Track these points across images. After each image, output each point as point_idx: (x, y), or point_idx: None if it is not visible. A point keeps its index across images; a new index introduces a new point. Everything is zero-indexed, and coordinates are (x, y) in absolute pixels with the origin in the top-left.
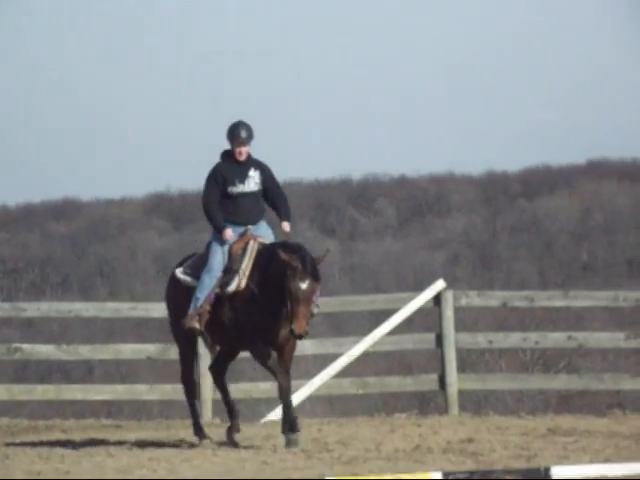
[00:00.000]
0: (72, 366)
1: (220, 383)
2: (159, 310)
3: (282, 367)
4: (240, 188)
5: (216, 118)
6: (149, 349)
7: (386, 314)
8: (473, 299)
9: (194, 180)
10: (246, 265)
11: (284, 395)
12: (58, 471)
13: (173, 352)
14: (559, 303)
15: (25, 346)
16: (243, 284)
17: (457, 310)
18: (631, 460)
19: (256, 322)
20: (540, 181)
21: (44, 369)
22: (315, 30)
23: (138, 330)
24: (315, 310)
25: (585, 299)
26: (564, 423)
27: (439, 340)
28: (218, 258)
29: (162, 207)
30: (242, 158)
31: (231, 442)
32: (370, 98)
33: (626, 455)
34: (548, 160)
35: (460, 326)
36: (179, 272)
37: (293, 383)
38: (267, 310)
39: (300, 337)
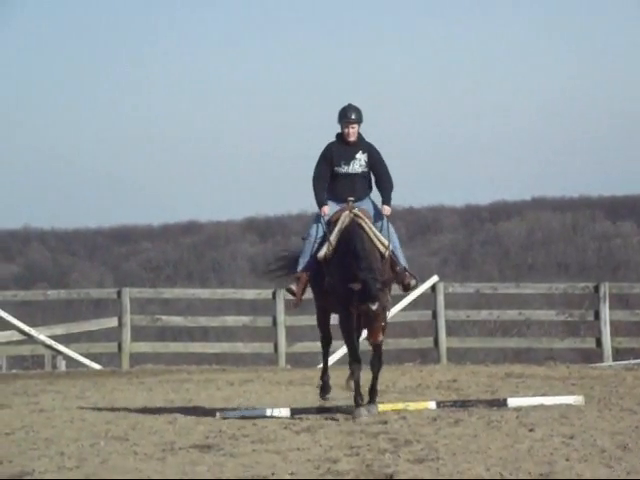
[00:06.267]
0: (194, 330)
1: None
2: (250, 294)
3: (371, 343)
4: (345, 169)
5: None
6: (244, 319)
7: (400, 297)
8: (456, 288)
9: (274, 208)
10: (335, 235)
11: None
12: (184, 399)
13: (259, 321)
14: (513, 291)
15: (164, 317)
16: (329, 251)
17: (446, 295)
18: (559, 394)
19: (334, 288)
20: (501, 210)
21: (176, 332)
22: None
23: (237, 307)
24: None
25: (530, 288)
26: (516, 370)
27: (434, 314)
28: (318, 228)
29: (253, 226)
30: (351, 139)
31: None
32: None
33: (556, 391)
34: (505, 197)
35: (448, 305)
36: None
37: (337, 344)
38: (343, 278)
39: (376, 346)
